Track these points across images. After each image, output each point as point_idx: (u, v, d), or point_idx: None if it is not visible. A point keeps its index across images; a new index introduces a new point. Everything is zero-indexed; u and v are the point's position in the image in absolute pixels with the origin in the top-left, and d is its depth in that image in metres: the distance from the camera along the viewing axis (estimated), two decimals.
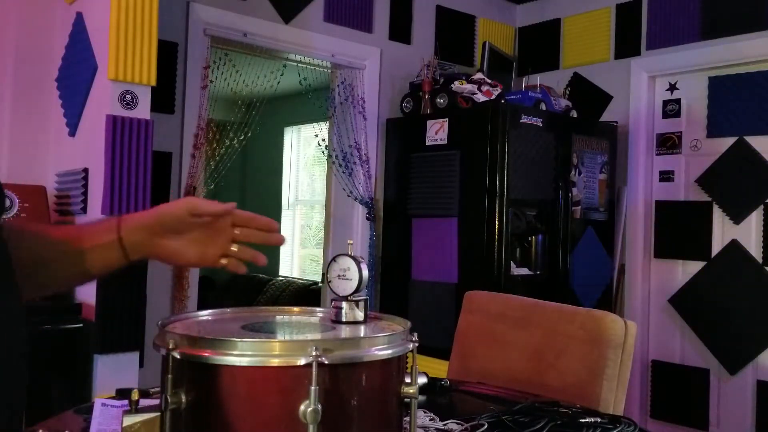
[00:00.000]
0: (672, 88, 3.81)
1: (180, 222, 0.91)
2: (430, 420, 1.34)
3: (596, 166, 3.69)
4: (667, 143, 3.82)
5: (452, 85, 3.55)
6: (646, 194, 3.86)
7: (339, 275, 0.96)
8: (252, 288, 6.31)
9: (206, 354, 0.76)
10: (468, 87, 3.51)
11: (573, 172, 3.55)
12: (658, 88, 3.88)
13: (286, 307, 1.06)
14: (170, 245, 0.93)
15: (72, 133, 2.71)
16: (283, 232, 6.60)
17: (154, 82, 2.48)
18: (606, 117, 3.99)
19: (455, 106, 3.51)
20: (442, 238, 3.44)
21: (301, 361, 0.73)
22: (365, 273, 0.96)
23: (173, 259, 0.95)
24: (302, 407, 0.73)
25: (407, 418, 0.87)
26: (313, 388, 0.72)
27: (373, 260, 3.75)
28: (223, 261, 0.95)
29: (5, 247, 0.79)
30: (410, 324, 0.90)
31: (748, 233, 3.46)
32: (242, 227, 0.95)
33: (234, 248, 0.95)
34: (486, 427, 1.28)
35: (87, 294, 2.49)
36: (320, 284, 4.82)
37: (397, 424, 0.85)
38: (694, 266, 3.65)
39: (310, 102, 3.81)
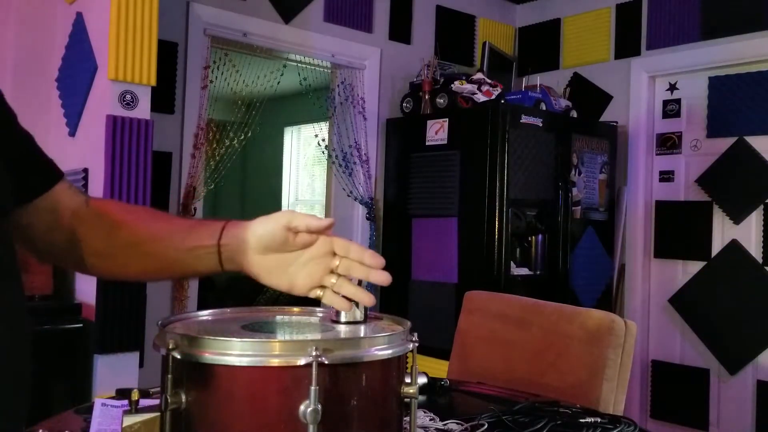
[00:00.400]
0: (672, 88, 3.81)
1: (275, 236, 0.84)
2: (430, 420, 1.34)
3: (596, 166, 3.69)
4: (667, 143, 3.82)
5: (452, 85, 3.55)
6: (646, 194, 3.86)
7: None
8: (252, 288, 6.30)
9: (206, 354, 0.76)
10: (468, 87, 3.51)
11: (573, 172, 3.55)
12: (658, 88, 3.88)
13: (286, 307, 1.05)
14: (261, 262, 0.86)
15: (72, 133, 2.71)
16: None
17: (154, 82, 2.48)
18: (606, 117, 3.99)
19: (455, 106, 3.51)
20: (442, 238, 3.44)
21: (301, 361, 0.73)
22: None
23: (262, 278, 0.87)
24: (302, 407, 0.73)
25: (407, 418, 0.87)
26: (313, 388, 0.72)
27: None
28: (318, 292, 0.86)
29: (11, 242, 0.79)
30: (410, 324, 0.90)
31: (748, 233, 3.46)
32: (343, 257, 0.85)
33: (332, 280, 0.85)
34: (486, 427, 1.28)
35: (87, 294, 2.49)
36: None
37: (397, 424, 0.85)
38: (694, 266, 3.65)
39: (310, 102, 3.81)
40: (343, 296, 0.86)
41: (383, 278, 0.84)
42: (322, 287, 0.87)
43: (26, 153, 0.90)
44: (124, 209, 0.99)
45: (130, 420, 0.79)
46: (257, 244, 0.85)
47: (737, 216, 3.48)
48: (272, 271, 0.87)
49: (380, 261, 0.84)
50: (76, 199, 0.95)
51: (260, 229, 0.84)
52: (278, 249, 0.85)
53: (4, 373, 0.73)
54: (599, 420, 1.32)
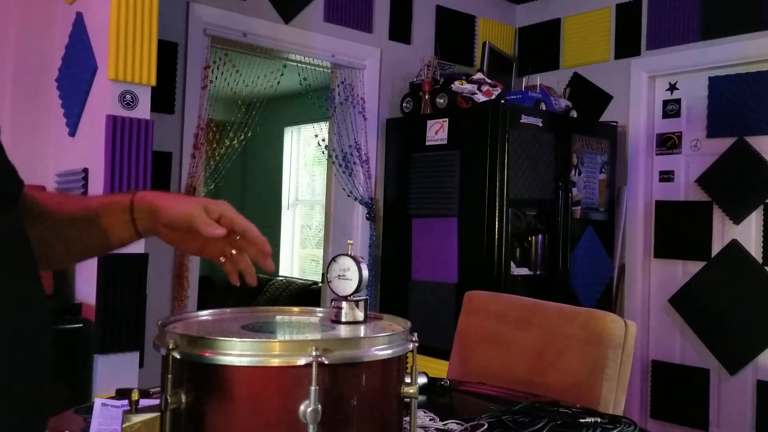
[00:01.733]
0: (672, 88, 3.81)
1: (181, 227, 0.91)
2: (430, 420, 1.34)
3: (596, 166, 3.69)
4: (667, 143, 3.82)
5: (452, 85, 3.55)
6: (646, 194, 3.86)
7: (339, 275, 0.96)
8: (252, 288, 6.30)
9: (206, 354, 0.76)
10: (468, 87, 3.51)
11: (573, 172, 3.55)
12: (658, 88, 3.88)
13: (286, 307, 1.06)
14: (174, 234, 0.93)
15: (72, 133, 2.71)
16: (283, 232, 6.49)
17: (154, 82, 2.48)
18: (606, 117, 3.99)
19: (455, 106, 3.51)
20: (442, 238, 3.44)
21: (301, 361, 0.73)
22: (365, 273, 0.96)
23: (176, 246, 0.96)
24: (302, 407, 0.73)
25: (407, 418, 0.87)
26: (313, 388, 0.72)
27: (373, 260, 3.75)
28: (222, 259, 0.95)
29: (24, 232, 0.78)
30: (410, 324, 0.90)
31: (748, 233, 3.46)
32: (240, 237, 0.92)
33: (233, 251, 0.94)
34: (486, 427, 1.28)
35: (87, 294, 2.49)
36: (320, 284, 4.82)
37: (397, 424, 0.85)
38: (694, 266, 3.65)
39: (310, 102, 3.81)
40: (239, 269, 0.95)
41: (269, 266, 0.93)
42: (224, 256, 0.95)
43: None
44: (39, 199, 0.99)
45: (130, 420, 0.79)
46: (167, 224, 0.92)
47: (737, 216, 3.48)
48: (183, 240, 0.94)
49: (268, 248, 0.92)
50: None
51: (171, 217, 0.90)
52: (187, 230, 0.92)
53: (30, 364, 0.73)
54: (599, 420, 1.32)
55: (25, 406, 0.73)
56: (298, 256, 6.77)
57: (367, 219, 3.76)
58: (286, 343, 0.80)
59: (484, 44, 3.98)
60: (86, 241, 0.96)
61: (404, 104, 3.78)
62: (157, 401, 0.80)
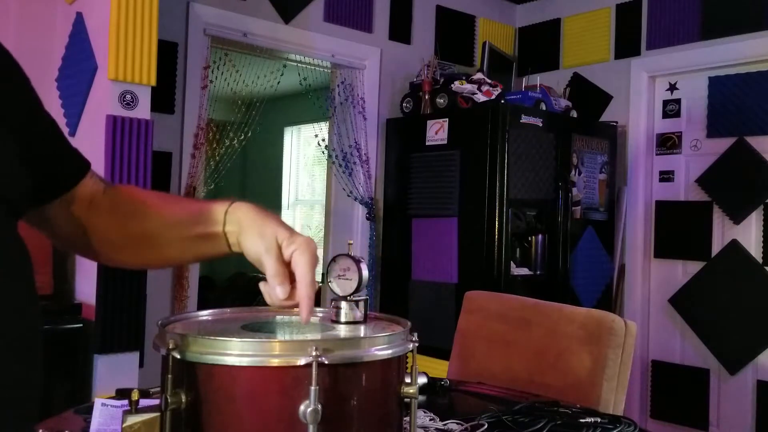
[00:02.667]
0: (672, 88, 3.81)
1: (252, 259, 0.85)
2: (430, 420, 1.34)
3: (596, 166, 3.69)
4: (667, 143, 3.82)
5: (452, 85, 3.55)
6: (646, 194, 3.86)
7: (339, 275, 0.96)
8: (252, 288, 6.31)
9: (206, 354, 0.76)
10: (468, 87, 3.51)
11: (573, 172, 3.55)
12: (658, 88, 3.88)
13: None
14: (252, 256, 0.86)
15: (72, 133, 2.71)
16: None
17: (154, 82, 2.48)
18: (606, 117, 3.99)
19: (455, 106, 3.51)
20: (442, 238, 3.44)
21: (301, 361, 0.73)
22: (365, 273, 0.95)
23: (255, 264, 0.87)
24: (302, 407, 0.73)
25: (407, 418, 0.87)
26: (313, 388, 0.72)
27: (373, 260, 3.75)
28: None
29: (20, 240, 0.77)
30: (410, 324, 0.90)
31: (748, 233, 3.46)
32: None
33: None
34: (486, 427, 1.28)
35: (87, 294, 2.49)
36: (320, 284, 4.82)
37: (397, 424, 0.85)
38: (694, 266, 3.65)
39: (310, 102, 3.81)
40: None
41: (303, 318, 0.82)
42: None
43: (54, 144, 0.88)
44: (139, 197, 0.96)
45: (130, 420, 0.79)
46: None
47: (737, 216, 3.48)
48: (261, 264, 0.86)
49: (306, 317, 0.82)
50: (96, 188, 0.93)
51: (246, 244, 0.85)
52: None
53: (15, 372, 0.73)
54: (599, 420, 1.32)
55: (21, 405, 0.73)
56: None
57: (367, 219, 3.76)
58: (286, 343, 0.80)
59: (484, 44, 3.98)
60: (182, 246, 0.90)
61: (404, 104, 3.78)
62: (157, 401, 0.80)
